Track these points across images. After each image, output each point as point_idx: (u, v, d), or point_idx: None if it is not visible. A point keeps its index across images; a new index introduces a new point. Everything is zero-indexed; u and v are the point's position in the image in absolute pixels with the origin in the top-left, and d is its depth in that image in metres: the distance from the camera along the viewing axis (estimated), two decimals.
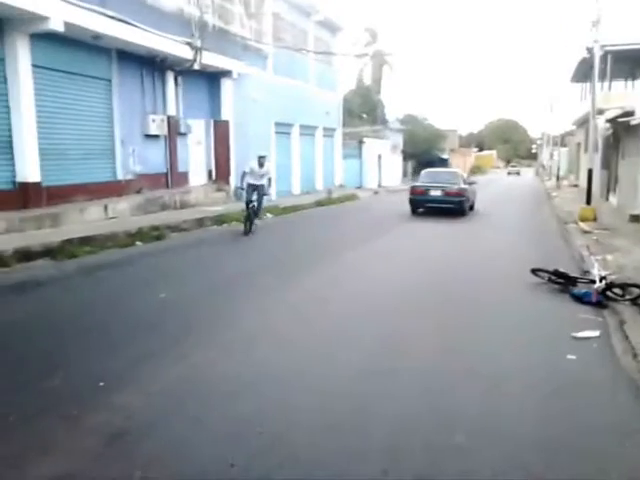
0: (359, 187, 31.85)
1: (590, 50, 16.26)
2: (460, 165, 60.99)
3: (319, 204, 21.33)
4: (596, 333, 5.88)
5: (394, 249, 11.71)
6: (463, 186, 18.40)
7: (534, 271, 8.37)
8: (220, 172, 19.26)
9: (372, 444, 3.57)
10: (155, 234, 11.79)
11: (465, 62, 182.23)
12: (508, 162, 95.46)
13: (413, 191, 18.62)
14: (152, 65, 15.64)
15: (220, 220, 14.69)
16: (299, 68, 24.31)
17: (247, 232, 12.73)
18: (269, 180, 13.54)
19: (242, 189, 13.30)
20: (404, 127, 44.99)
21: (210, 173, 19.20)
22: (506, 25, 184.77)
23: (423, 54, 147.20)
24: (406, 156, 44.86)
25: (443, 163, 56.04)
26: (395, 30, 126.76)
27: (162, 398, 4.15)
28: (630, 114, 15.76)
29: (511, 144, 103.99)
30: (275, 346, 5.44)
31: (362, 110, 43.24)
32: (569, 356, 5.21)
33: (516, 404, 4.24)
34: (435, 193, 17.99)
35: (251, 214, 13.01)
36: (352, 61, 46.90)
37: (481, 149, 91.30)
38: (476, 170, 67.64)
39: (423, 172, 20.20)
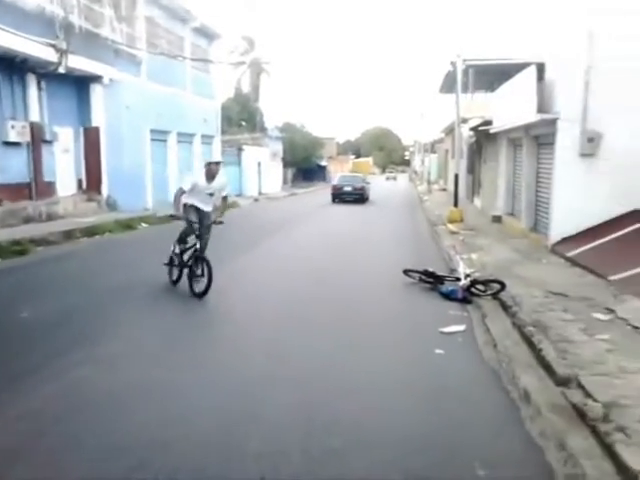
0: (239, 195, 31.65)
1: (454, 64, 17.42)
2: (338, 171, 62.62)
3: None
4: (461, 327, 6.30)
5: (275, 256, 11.75)
6: (364, 184, 30.00)
7: (406, 272, 8.79)
8: (91, 181, 18.26)
9: (250, 450, 3.56)
10: (17, 249, 10.91)
11: (342, 72, 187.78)
12: (384, 168, 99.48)
13: (334, 188, 29.66)
14: (10, 67, 14.51)
15: (91, 232, 13.93)
16: (175, 75, 23.69)
17: (197, 294, 7.48)
18: (224, 199, 8.21)
19: (177, 218, 7.75)
20: (283, 135, 45.48)
21: (80, 182, 18.14)
22: (381, 37, 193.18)
23: (301, 63, 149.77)
24: (286, 163, 45.37)
25: (322, 170, 57.38)
26: (273, 39, 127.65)
27: (24, 424, 3.85)
28: (489, 123, 17.06)
29: (385, 151, 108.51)
30: (153, 359, 5.26)
31: (241, 118, 43.13)
32: (437, 350, 5.54)
33: (388, 401, 4.43)
34: (347, 188, 29.05)
35: (193, 264, 7.71)
36: (230, 69, 46.60)
37: (358, 156, 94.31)
38: None
39: (338, 175, 33.67)
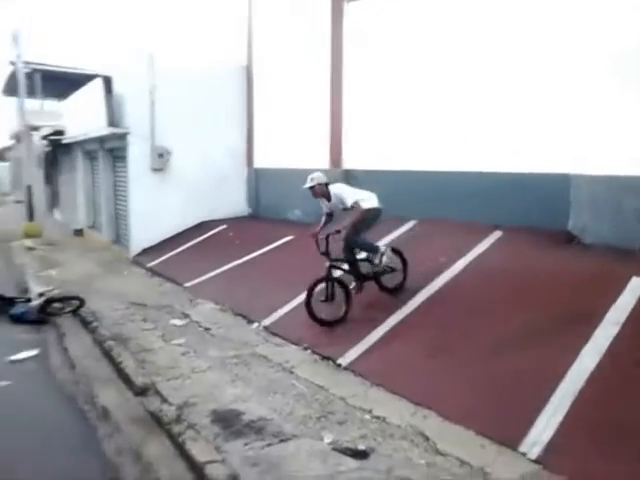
0: None
1: (14, 64, 15.83)
2: None
3: None
4: (34, 352, 5.78)
5: None
6: None
7: None
8: None
9: None
10: None
11: None
12: None
13: None
14: None
15: None
16: None
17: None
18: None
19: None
20: None
21: None
22: None
23: None
24: None
25: None
26: None
27: None
28: (61, 133, 16.28)
29: None
30: None
31: None
32: (2, 383, 4.92)
33: None
34: None
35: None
36: None
37: None
38: None
39: None
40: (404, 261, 6.45)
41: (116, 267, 10.85)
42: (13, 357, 5.57)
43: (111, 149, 12.91)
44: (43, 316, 7.02)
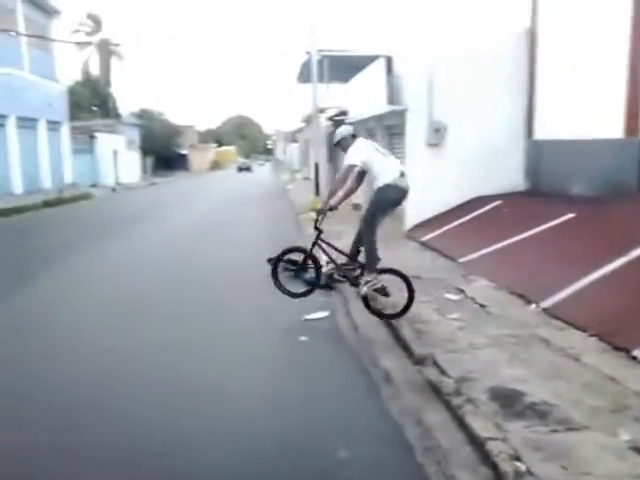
0: (94, 185, 29.86)
1: (309, 54, 17.62)
2: (200, 160, 61.69)
3: (47, 205, 19.42)
4: (325, 313, 6.44)
5: (142, 249, 11.25)
6: (250, 164, 69.37)
7: (270, 260, 8.77)
8: None
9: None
10: None
11: (200, 57, 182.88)
12: (248, 158, 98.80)
13: (238, 166, 67.73)
14: None
15: None
16: (7, 53, 21.60)
17: None
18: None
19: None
20: (140, 122, 43.51)
21: None
22: (238, 24, 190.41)
23: (157, 48, 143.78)
24: (145, 152, 43.51)
25: (182, 159, 55.86)
26: (122, 19, 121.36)
27: None
28: (345, 113, 17.55)
29: (248, 140, 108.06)
30: None
31: (92, 103, 40.46)
32: (301, 338, 5.61)
33: (254, 386, 4.46)
34: (243, 167, 66.25)
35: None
36: (75, 49, 43.58)
37: (220, 145, 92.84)
38: (215, 166, 70.57)
39: (240, 160, 78.54)
40: (409, 287, 5.87)
41: (391, 240, 11.31)
42: (308, 316, 6.30)
43: (389, 126, 13.48)
44: (330, 282, 7.74)
